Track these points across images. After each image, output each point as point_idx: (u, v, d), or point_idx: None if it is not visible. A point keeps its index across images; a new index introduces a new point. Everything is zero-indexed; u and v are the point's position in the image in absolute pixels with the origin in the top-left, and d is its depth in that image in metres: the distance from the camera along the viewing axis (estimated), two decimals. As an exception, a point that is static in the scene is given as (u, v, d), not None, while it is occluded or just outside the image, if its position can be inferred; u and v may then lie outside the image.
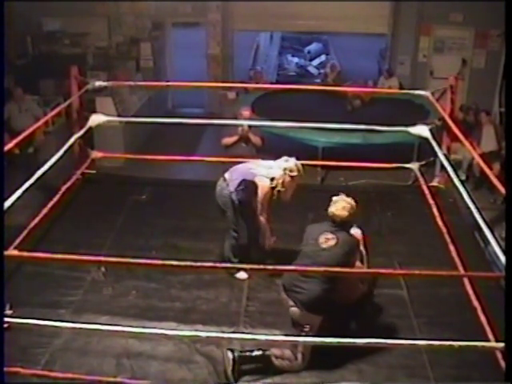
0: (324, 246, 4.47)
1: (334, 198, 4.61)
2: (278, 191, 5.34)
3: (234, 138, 7.55)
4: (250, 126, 7.47)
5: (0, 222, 4.11)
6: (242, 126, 7.46)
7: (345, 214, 4.50)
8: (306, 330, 4.41)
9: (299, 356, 4.47)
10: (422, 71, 13.26)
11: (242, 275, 5.53)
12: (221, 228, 6.35)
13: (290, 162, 5.38)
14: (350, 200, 4.58)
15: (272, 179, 5.36)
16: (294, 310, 4.47)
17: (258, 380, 4.44)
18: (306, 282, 4.40)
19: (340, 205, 4.53)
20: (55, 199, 6.40)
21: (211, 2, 13.22)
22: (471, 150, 6.22)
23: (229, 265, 5.29)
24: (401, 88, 12.44)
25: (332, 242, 4.46)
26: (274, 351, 4.50)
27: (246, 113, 7.69)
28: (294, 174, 5.34)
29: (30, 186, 5.63)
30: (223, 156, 7.45)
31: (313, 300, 4.39)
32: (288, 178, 5.33)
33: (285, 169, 5.34)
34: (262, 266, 4.81)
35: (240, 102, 11.79)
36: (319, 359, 4.53)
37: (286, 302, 4.55)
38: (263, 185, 5.37)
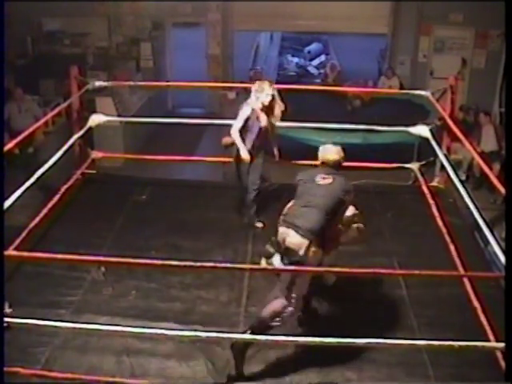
0: (321, 182, 4.65)
1: (321, 148, 4.93)
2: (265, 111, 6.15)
3: None
4: None
5: (0, 222, 4.12)
6: None
7: (336, 157, 4.81)
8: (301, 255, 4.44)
9: (292, 300, 4.50)
10: (422, 71, 13.26)
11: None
12: (220, 228, 6.38)
13: (262, 94, 6.11)
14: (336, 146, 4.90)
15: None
16: (294, 238, 4.45)
17: (257, 380, 4.45)
18: (308, 212, 4.51)
19: (331, 150, 4.86)
20: (55, 199, 6.40)
21: (211, 1, 13.23)
22: (471, 150, 6.23)
23: (229, 265, 5.28)
24: (401, 88, 12.44)
25: (329, 181, 4.66)
26: (265, 315, 4.49)
27: None
28: (266, 103, 6.11)
29: (30, 185, 5.64)
30: (223, 156, 7.47)
31: (314, 223, 4.45)
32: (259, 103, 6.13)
33: (258, 98, 6.13)
34: (262, 266, 4.83)
35: (240, 102, 11.78)
36: (319, 357, 4.55)
37: (284, 235, 4.53)
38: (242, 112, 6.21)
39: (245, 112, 6.20)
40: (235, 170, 6.47)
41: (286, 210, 4.74)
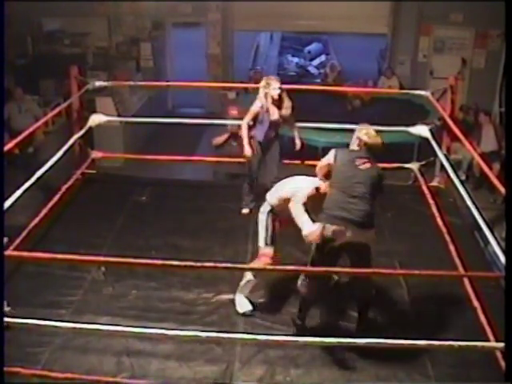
0: (362, 167, 4.65)
1: (364, 129, 4.83)
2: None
3: (224, 137, 7.75)
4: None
5: (0, 221, 4.12)
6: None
7: (379, 141, 4.78)
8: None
9: None
10: (422, 71, 13.27)
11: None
12: (221, 227, 6.38)
13: (269, 89, 6.30)
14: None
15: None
16: (356, 235, 4.55)
17: (258, 380, 4.45)
18: (356, 203, 4.54)
19: (374, 134, 4.79)
20: (55, 199, 6.40)
21: (211, 1, 13.23)
22: (471, 150, 6.23)
23: (229, 265, 5.28)
24: (401, 88, 12.44)
25: (367, 165, 4.67)
26: None
27: (234, 112, 7.94)
28: (275, 96, 6.30)
29: (30, 185, 5.64)
30: (222, 156, 7.50)
31: (366, 215, 4.56)
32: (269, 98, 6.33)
33: (266, 93, 6.32)
34: (262, 266, 4.83)
35: (240, 101, 11.78)
36: (319, 357, 4.56)
37: (339, 233, 4.54)
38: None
39: (254, 107, 6.40)
40: (247, 165, 6.64)
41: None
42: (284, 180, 5.15)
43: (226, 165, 7.73)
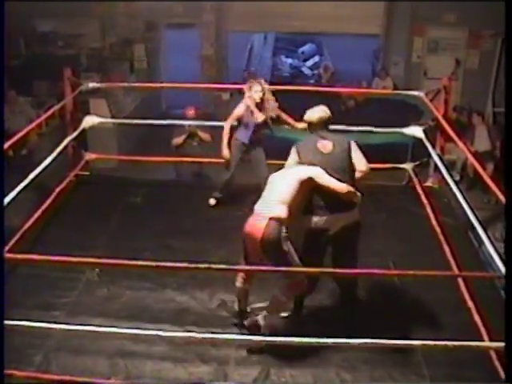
0: (325, 151, 4.66)
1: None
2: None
3: (183, 137, 8.04)
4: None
5: (0, 221, 4.11)
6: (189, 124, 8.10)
7: (321, 114, 4.89)
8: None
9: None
10: (415, 72, 13.30)
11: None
12: (215, 228, 6.38)
13: (252, 92, 6.43)
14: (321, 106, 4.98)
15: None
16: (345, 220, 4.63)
17: (253, 380, 4.45)
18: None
19: (315, 109, 5.00)
20: (49, 201, 6.39)
21: (205, 2, 13.22)
22: (465, 151, 6.24)
23: (223, 266, 5.26)
24: (395, 88, 12.46)
25: (330, 146, 4.68)
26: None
27: (191, 112, 8.24)
28: (257, 99, 6.39)
29: (24, 187, 5.62)
30: (216, 156, 7.49)
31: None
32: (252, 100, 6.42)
33: (249, 97, 6.45)
34: (258, 267, 4.82)
35: (234, 102, 11.77)
36: (315, 358, 4.56)
37: (330, 221, 4.60)
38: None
39: (237, 110, 6.54)
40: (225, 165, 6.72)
41: None
42: (268, 189, 4.72)
43: (188, 164, 8.08)
